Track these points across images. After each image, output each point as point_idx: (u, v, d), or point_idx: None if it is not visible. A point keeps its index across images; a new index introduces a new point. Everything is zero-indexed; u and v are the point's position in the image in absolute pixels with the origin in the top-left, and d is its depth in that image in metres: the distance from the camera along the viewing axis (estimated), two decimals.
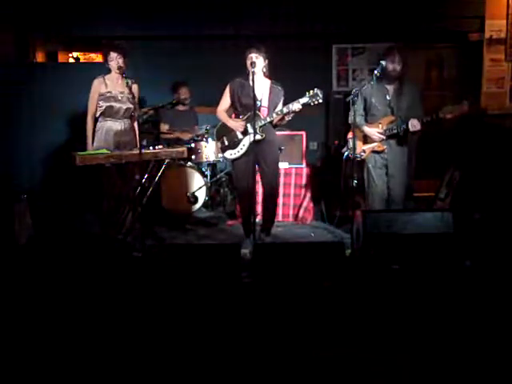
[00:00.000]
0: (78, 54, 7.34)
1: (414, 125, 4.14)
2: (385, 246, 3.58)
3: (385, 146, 4.34)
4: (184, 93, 5.75)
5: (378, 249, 3.57)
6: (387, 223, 3.67)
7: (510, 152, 4.81)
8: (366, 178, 4.47)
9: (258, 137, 4.06)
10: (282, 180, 5.22)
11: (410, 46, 6.04)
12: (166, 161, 4.44)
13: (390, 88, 4.31)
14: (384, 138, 4.31)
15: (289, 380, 2.41)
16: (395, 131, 4.26)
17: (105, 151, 4.07)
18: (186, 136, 5.64)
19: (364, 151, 4.42)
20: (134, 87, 4.30)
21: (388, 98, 4.31)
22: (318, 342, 2.70)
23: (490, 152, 4.93)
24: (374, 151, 4.40)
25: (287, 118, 4.17)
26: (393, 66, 4.19)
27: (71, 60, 7.33)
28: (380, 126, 4.32)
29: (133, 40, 5.98)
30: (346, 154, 4.66)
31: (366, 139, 4.42)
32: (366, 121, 4.42)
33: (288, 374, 2.44)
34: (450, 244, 3.57)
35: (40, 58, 6.65)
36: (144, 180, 4.22)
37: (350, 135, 4.45)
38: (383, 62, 4.05)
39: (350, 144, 4.39)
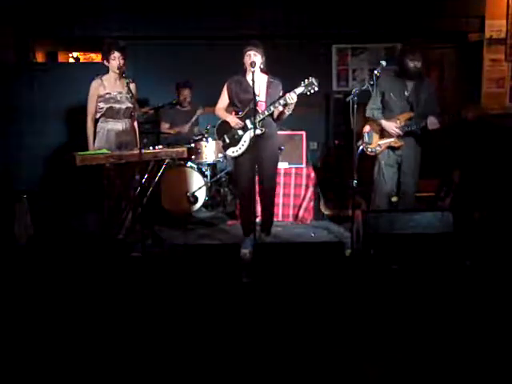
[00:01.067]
0: (77, 53, 7.35)
1: (433, 123, 4.12)
2: (385, 245, 3.58)
3: (401, 142, 4.31)
4: (185, 95, 5.74)
5: (377, 249, 3.57)
6: (387, 223, 3.67)
7: (510, 152, 4.81)
8: (376, 174, 4.45)
9: (258, 131, 4.05)
10: (281, 180, 5.22)
11: (410, 46, 6.04)
12: (166, 161, 4.44)
13: (410, 84, 4.28)
14: (401, 133, 4.27)
15: (288, 379, 2.41)
16: (413, 128, 4.23)
17: (105, 151, 4.07)
18: (186, 129, 5.64)
19: (380, 145, 4.39)
20: (132, 86, 4.30)
21: (406, 93, 4.28)
22: (317, 342, 2.70)
23: (490, 152, 4.93)
24: (389, 147, 4.37)
25: (287, 112, 4.14)
26: (413, 63, 4.16)
27: (71, 60, 7.34)
28: (398, 121, 4.29)
29: (133, 40, 5.99)
30: (360, 148, 4.47)
31: (383, 134, 4.38)
32: (384, 115, 4.38)
33: (288, 374, 2.44)
34: (450, 244, 3.57)
35: (40, 57, 6.66)
36: (144, 180, 4.22)
37: (365, 129, 4.44)
38: (383, 62, 4.04)
39: (366, 138, 4.38)
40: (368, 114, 4.37)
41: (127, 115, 4.38)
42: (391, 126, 4.28)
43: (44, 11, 5.92)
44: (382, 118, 4.36)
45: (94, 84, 4.30)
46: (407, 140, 4.32)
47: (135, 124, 4.47)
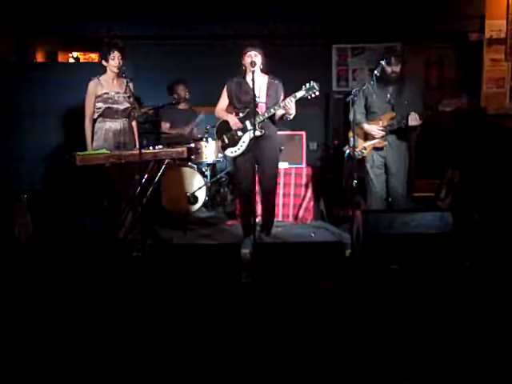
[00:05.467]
0: (77, 53, 7.34)
1: (414, 119, 4.19)
2: (385, 245, 3.58)
3: (385, 142, 4.38)
4: (182, 90, 5.75)
5: (377, 249, 3.57)
6: (387, 223, 3.67)
7: (510, 152, 4.81)
8: (366, 178, 4.51)
9: (258, 133, 4.05)
10: (281, 180, 5.22)
11: (410, 46, 6.05)
12: (166, 161, 4.44)
13: (391, 87, 4.36)
14: (384, 134, 4.35)
15: (288, 379, 2.41)
16: (396, 127, 4.31)
17: (105, 151, 4.07)
18: (187, 131, 5.65)
19: (365, 148, 4.48)
20: (130, 85, 4.32)
21: (388, 95, 4.36)
22: (317, 342, 2.70)
23: (489, 152, 4.93)
24: (374, 148, 4.44)
25: (289, 116, 4.14)
26: (391, 68, 4.25)
27: (71, 60, 7.33)
28: (380, 122, 4.38)
29: (133, 40, 5.99)
30: (347, 152, 4.65)
31: (367, 137, 4.47)
32: (367, 118, 4.46)
33: (287, 374, 2.44)
34: (450, 244, 3.57)
35: (40, 57, 6.65)
36: (144, 180, 4.22)
37: (350, 133, 4.49)
38: (383, 63, 4.06)
39: (351, 142, 4.43)
40: (351, 118, 4.38)
41: (125, 115, 4.39)
42: (373, 129, 4.37)
43: (44, 11, 5.92)
44: (365, 121, 4.44)
45: (92, 84, 4.30)
46: (391, 141, 4.40)
47: (133, 124, 4.47)
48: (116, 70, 4.27)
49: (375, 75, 4.02)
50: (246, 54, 4.07)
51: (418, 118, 4.19)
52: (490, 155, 4.91)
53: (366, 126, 4.41)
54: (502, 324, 2.80)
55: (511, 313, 2.89)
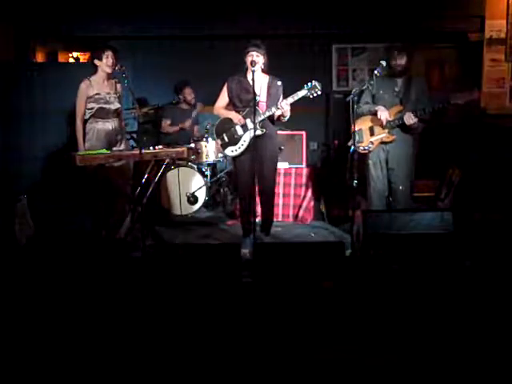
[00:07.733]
0: (77, 53, 7.34)
1: (409, 117, 4.14)
2: (385, 245, 3.58)
3: (394, 136, 4.31)
4: (189, 93, 5.77)
5: (378, 249, 3.57)
6: (387, 223, 3.67)
7: (510, 152, 4.81)
8: (367, 175, 4.46)
9: (258, 132, 4.05)
10: (281, 180, 5.22)
11: (409, 45, 6.04)
12: (166, 161, 4.44)
13: (399, 80, 4.34)
14: (389, 118, 4.28)
15: (289, 380, 2.41)
16: (401, 121, 4.23)
17: (105, 151, 4.08)
18: (187, 125, 5.66)
19: (372, 143, 4.39)
20: (118, 86, 4.38)
21: (396, 89, 4.33)
22: (318, 342, 2.70)
23: (490, 152, 4.93)
24: (382, 142, 4.36)
25: (284, 118, 4.16)
26: (396, 61, 4.23)
27: (71, 60, 7.33)
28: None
29: (133, 40, 5.99)
30: (352, 147, 4.51)
31: (373, 131, 4.40)
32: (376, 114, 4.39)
33: (288, 374, 2.44)
34: (450, 244, 3.57)
35: (40, 57, 6.65)
36: (144, 180, 4.22)
37: (353, 128, 4.43)
38: (383, 62, 4.06)
39: (356, 137, 4.39)
40: (360, 111, 4.34)
41: (116, 115, 4.43)
42: (385, 112, 4.26)
43: (44, 11, 5.92)
44: (374, 105, 4.35)
45: (83, 85, 4.32)
46: (396, 136, 4.32)
47: (123, 123, 4.53)
48: (109, 70, 4.28)
49: (375, 75, 4.01)
50: (247, 53, 4.06)
51: (412, 116, 4.13)
52: (490, 155, 4.91)
53: (380, 111, 4.27)
54: (501, 323, 2.80)
55: (511, 313, 2.89)
